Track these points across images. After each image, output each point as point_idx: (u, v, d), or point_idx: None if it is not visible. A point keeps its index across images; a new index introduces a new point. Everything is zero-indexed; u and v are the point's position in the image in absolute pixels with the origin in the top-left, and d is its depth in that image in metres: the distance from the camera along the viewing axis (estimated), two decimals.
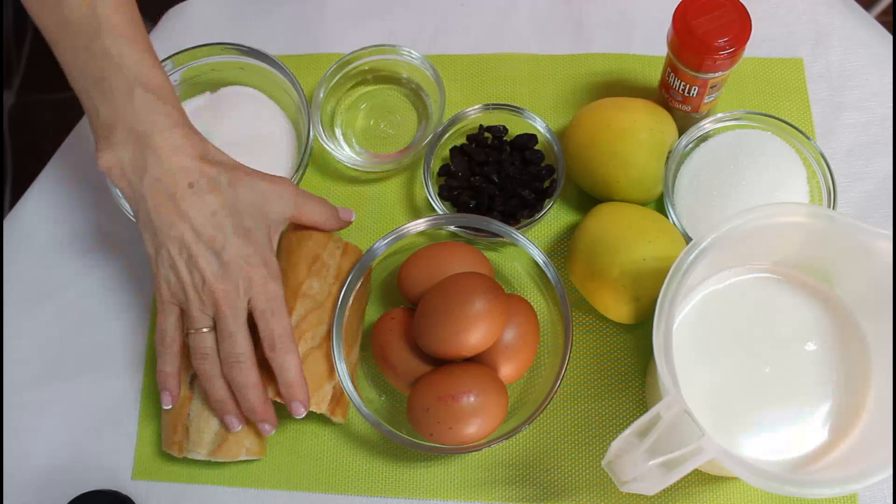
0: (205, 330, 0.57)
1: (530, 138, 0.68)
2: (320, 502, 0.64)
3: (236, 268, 0.56)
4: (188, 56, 0.72)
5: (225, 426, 0.60)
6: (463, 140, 0.70)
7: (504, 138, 0.69)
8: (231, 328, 0.56)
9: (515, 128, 0.70)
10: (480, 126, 0.70)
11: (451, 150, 0.70)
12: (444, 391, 0.57)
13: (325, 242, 0.63)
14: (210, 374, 0.58)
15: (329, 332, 0.62)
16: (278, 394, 0.60)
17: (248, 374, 0.57)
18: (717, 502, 0.61)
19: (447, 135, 0.69)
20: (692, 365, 0.54)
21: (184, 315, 0.58)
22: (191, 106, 0.73)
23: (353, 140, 0.73)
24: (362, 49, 0.72)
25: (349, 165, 0.71)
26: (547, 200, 0.67)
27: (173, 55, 0.72)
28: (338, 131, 0.73)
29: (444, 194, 0.68)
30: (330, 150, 0.70)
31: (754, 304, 0.57)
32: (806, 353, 0.55)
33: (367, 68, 0.73)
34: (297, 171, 0.67)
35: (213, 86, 0.73)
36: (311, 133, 0.68)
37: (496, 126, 0.69)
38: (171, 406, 0.60)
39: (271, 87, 0.73)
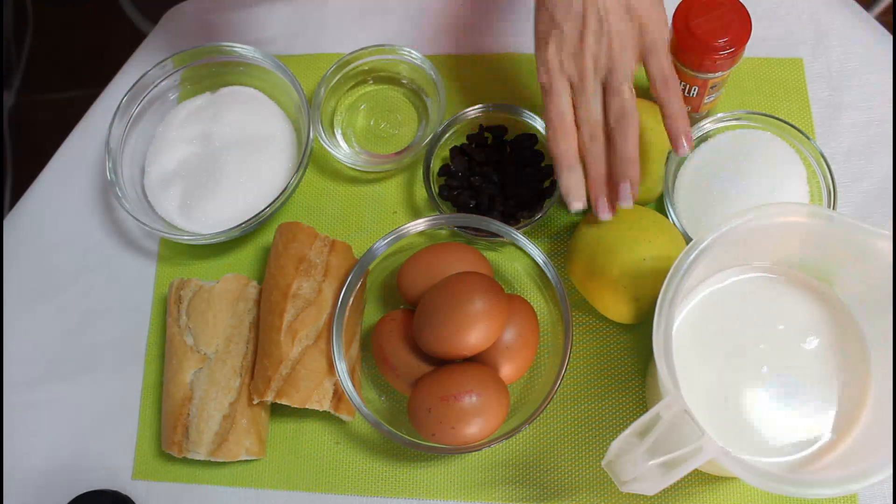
0: (591, 94, 0.57)
1: (530, 138, 0.68)
2: (320, 502, 0.64)
3: (636, 12, 0.56)
4: (188, 56, 0.72)
5: (596, 212, 0.59)
6: (463, 140, 0.70)
7: (504, 138, 0.69)
8: (619, 78, 0.56)
9: (515, 128, 0.70)
10: (480, 126, 0.70)
11: (451, 150, 0.70)
12: (446, 391, 0.57)
13: (311, 242, 0.64)
14: (597, 155, 0.58)
15: (324, 329, 0.62)
16: (277, 394, 0.60)
17: (632, 130, 0.57)
18: (717, 502, 0.61)
19: (447, 135, 0.69)
20: (692, 365, 0.54)
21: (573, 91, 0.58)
22: (191, 106, 0.73)
23: (353, 140, 0.73)
24: (362, 49, 0.72)
25: (349, 165, 0.71)
26: (547, 200, 0.67)
27: (173, 55, 0.72)
28: (338, 131, 0.73)
29: (444, 194, 0.68)
30: (330, 150, 0.70)
31: (754, 303, 0.57)
32: (805, 352, 0.55)
33: (367, 68, 0.73)
34: (297, 170, 0.67)
35: (214, 86, 0.73)
36: (311, 133, 0.68)
37: (496, 126, 0.69)
38: (581, 207, 0.59)
39: (271, 87, 0.73)
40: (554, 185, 0.68)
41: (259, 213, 0.66)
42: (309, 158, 0.68)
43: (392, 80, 0.75)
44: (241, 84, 0.73)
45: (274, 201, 0.66)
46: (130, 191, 0.69)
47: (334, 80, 0.72)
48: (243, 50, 0.71)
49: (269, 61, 0.71)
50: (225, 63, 0.73)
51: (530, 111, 0.68)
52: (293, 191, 0.68)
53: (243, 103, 0.72)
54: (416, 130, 0.73)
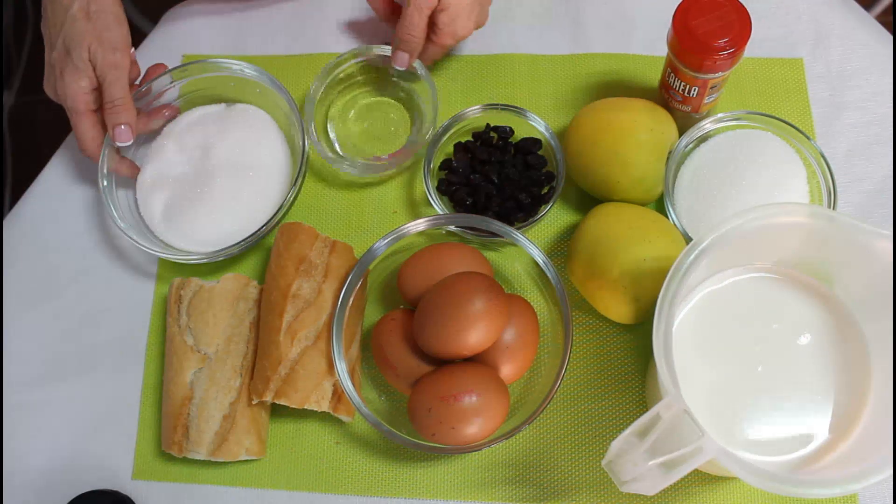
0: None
1: (535, 143, 0.68)
2: (320, 502, 0.64)
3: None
4: (187, 71, 0.71)
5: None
6: (468, 137, 0.70)
7: (510, 140, 0.69)
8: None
9: (517, 128, 0.69)
10: (487, 125, 0.69)
11: (455, 146, 0.69)
12: (446, 391, 0.57)
13: (312, 242, 0.64)
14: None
15: (323, 329, 0.62)
16: (276, 395, 0.60)
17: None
18: (717, 502, 0.61)
19: (447, 135, 0.69)
20: (692, 365, 0.54)
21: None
22: (190, 118, 0.72)
23: (349, 141, 0.73)
24: (357, 49, 0.72)
25: (347, 172, 0.71)
26: (543, 206, 0.67)
27: (171, 70, 0.70)
28: (332, 133, 0.73)
29: (441, 188, 0.68)
30: (327, 160, 0.69)
31: (754, 303, 0.57)
32: (805, 353, 0.55)
33: (360, 68, 0.73)
34: (293, 185, 0.66)
35: (210, 100, 0.72)
36: (307, 144, 0.67)
37: (503, 127, 0.69)
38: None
39: (263, 100, 0.72)
40: (552, 191, 0.68)
41: (257, 231, 0.65)
42: (307, 167, 0.68)
43: (386, 81, 0.74)
44: (235, 99, 0.72)
45: (270, 220, 0.66)
46: (122, 198, 0.69)
47: (328, 80, 0.72)
48: (237, 66, 0.70)
49: (261, 74, 0.70)
50: (221, 78, 0.71)
51: (532, 112, 0.68)
52: (289, 209, 0.67)
53: (240, 118, 0.71)
54: (410, 132, 0.73)
